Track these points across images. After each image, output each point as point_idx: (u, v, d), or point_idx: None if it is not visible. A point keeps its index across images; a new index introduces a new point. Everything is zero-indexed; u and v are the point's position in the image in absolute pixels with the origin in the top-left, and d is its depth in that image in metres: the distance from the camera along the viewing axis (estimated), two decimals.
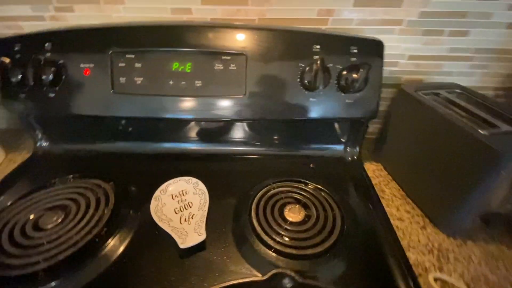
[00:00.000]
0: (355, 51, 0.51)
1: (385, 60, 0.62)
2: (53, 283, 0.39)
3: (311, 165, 0.61)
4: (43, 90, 0.54)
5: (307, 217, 0.48)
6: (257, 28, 0.52)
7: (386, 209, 0.53)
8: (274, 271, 0.34)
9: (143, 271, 0.41)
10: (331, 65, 0.51)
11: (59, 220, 0.47)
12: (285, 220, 0.47)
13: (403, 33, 0.60)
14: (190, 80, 0.52)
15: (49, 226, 0.46)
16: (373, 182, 0.60)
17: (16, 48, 0.52)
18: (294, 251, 0.41)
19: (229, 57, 0.51)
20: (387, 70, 0.64)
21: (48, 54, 0.53)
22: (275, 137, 0.62)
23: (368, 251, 0.43)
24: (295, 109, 0.54)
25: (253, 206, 0.49)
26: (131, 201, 0.52)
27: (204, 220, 0.47)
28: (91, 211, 0.48)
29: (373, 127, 0.75)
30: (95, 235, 0.45)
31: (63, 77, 0.53)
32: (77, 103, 0.54)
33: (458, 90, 0.56)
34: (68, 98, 0.54)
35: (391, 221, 0.50)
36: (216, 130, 0.62)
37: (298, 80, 0.52)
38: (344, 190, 0.54)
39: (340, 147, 0.62)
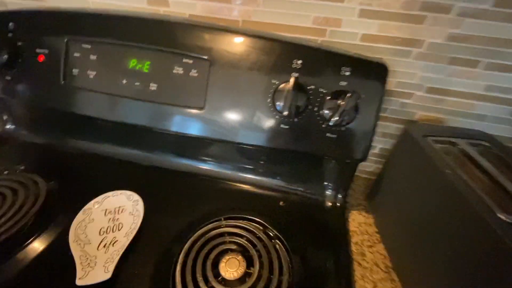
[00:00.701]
0: (348, 73, 0.40)
1: (396, 89, 0.50)
2: None
3: (280, 203, 0.50)
4: (2, 70, 0.50)
5: (246, 276, 0.37)
6: (229, 30, 0.43)
7: (359, 282, 0.40)
8: None
9: None
10: (312, 87, 0.40)
11: None
12: (217, 275, 0.37)
13: (422, 58, 0.46)
14: (145, 81, 0.44)
15: None
16: (355, 239, 0.47)
17: None
18: None
19: (191, 61, 0.43)
20: (398, 101, 0.52)
21: (10, 34, 0.49)
22: (242, 161, 0.52)
23: None
24: (262, 135, 0.43)
25: (185, 248, 0.39)
26: (65, 206, 0.46)
27: (120, 255, 0.38)
28: (18, 203, 0.43)
29: (375, 167, 0.62)
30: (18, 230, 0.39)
31: (19, 60, 0.49)
32: (29, 90, 0.49)
33: (484, 143, 0.41)
34: (21, 84, 0.50)
35: None
36: (175, 142, 0.53)
37: (269, 100, 0.41)
38: (309, 245, 0.43)
39: (320, 189, 0.50)
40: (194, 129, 0.44)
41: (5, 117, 0.61)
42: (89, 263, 0.38)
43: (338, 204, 0.49)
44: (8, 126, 0.62)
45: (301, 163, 0.50)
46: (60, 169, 0.53)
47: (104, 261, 0.38)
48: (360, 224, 0.51)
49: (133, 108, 0.46)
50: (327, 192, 0.50)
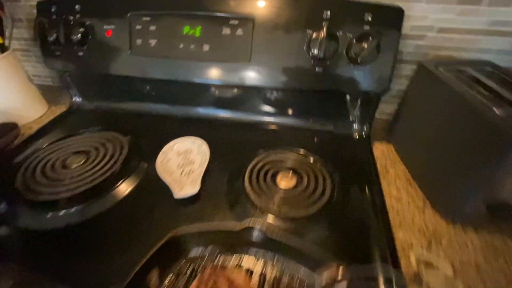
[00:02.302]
0: (370, 18, 0.48)
1: (411, 32, 0.58)
2: (71, 209, 0.46)
3: (315, 139, 0.60)
4: (73, 49, 0.60)
5: (298, 185, 0.49)
6: None
7: (386, 188, 0.51)
8: (245, 225, 0.37)
9: (140, 213, 0.46)
10: (340, 33, 0.49)
11: (81, 163, 0.55)
12: (275, 184, 0.49)
13: (433, 1, 0.53)
14: (198, 44, 0.54)
15: (73, 167, 0.54)
16: (380, 162, 0.57)
17: (53, 10, 0.59)
18: (277, 212, 0.43)
19: (236, 22, 0.51)
20: (412, 43, 0.59)
21: (78, 16, 0.58)
22: (281, 107, 0.62)
23: (351, 222, 0.43)
24: (301, 79, 0.53)
25: (248, 169, 0.51)
26: (142, 154, 0.58)
27: (201, 177, 0.51)
28: (105, 160, 0.55)
29: (393, 108, 0.71)
30: (107, 177, 0.51)
31: (90, 37, 0.58)
32: (101, 62, 0.60)
33: (488, 68, 0.50)
34: (93, 57, 0.60)
35: (389, 200, 0.49)
36: (225, 97, 0.64)
37: (305, 48, 0.50)
38: (343, 165, 0.53)
39: (347, 122, 0.60)
40: (243, 79, 0.54)
41: (72, 91, 0.73)
42: (178, 184, 0.50)
43: (363, 135, 0.59)
44: (75, 99, 0.74)
45: (332, 103, 0.60)
46: (131, 127, 0.64)
47: (190, 182, 0.50)
48: (383, 151, 0.61)
49: (190, 68, 0.56)
50: (354, 126, 0.60)
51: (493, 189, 0.40)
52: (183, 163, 0.55)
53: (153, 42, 0.56)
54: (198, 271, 0.34)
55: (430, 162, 0.50)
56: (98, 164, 0.54)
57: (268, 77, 0.53)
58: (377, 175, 0.52)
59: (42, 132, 0.65)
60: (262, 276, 0.35)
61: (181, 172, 0.53)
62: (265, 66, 0.53)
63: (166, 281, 0.35)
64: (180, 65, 0.56)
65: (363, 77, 0.51)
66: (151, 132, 0.63)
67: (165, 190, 0.49)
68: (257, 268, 0.36)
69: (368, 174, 0.52)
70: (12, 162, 0.56)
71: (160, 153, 0.56)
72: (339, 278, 0.28)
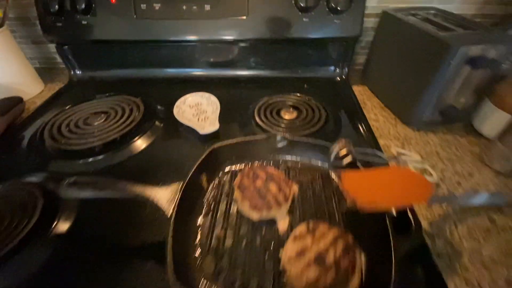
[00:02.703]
0: None
1: None
2: (101, 156, 0.52)
3: (305, 86, 0.71)
4: (77, 18, 0.64)
5: (298, 116, 0.59)
6: None
7: (366, 114, 0.64)
8: (270, 135, 0.46)
9: (169, 155, 0.53)
10: None
11: (102, 120, 0.60)
12: (280, 117, 0.59)
13: None
14: (200, 4, 0.61)
15: (95, 124, 0.59)
16: (359, 98, 0.70)
17: None
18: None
19: None
20: None
21: None
22: (274, 61, 0.72)
23: (345, 135, 0.55)
24: (292, 29, 0.63)
25: (256, 109, 0.61)
26: (157, 110, 0.64)
27: (217, 118, 0.59)
28: (126, 115, 0.61)
29: (363, 58, 0.84)
30: (135, 125, 0.58)
31: (93, 5, 0.62)
32: (106, 29, 0.64)
33: (433, 12, 0.64)
34: (98, 25, 0.64)
35: (370, 122, 0.61)
36: (226, 55, 0.72)
37: (293, 1, 0.60)
38: (331, 100, 0.65)
39: (330, 69, 0.72)
40: (243, 33, 0.63)
41: (72, 64, 0.75)
42: (200, 125, 0.58)
43: (344, 77, 0.72)
44: (75, 72, 0.76)
45: (315, 54, 0.71)
46: (138, 91, 0.69)
47: (208, 124, 0.58)
48: (359, 91, 0.74)
49: (194, 27, 0.63)
50: (336, 70, 0.72)
51: (442, 95, 0.54)
52: (197, 113, 0.63)
53: (157, 5, 0.61)
54: (238, 173, 0.43)
55: (396, 90, 0.63)
56: (120, 119, 0.60)
57: (264, 29, 0.63)
58: (359, 105, 0.64)
59: (50, 102, 0.68)
60: (287, 168, 0.45)
61: (198, 119, 0.61)
62: (261, 19, 0.62)
63: (215, 182, 0.44)
64: (184, 25, 0.63)
65: (341, 25, 0.62)
66: (158, 94, 0.69)
67: (185, 133, 0.57)
68: (283, 166, 0.46)
69: (352, 104, 0.64)
70: (32, 128, 0.60)
71: (174, 106, 0.63)
72: (346, 148, 0.39)
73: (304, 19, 0.61)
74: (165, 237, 0.32)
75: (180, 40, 0.64)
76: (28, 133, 0.58)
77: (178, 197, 0.35)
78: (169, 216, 0.34)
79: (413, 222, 0.32)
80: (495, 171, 0.50)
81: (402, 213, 0.34)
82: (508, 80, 0.53)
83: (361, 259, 0.32)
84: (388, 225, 0.32)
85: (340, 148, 0.39)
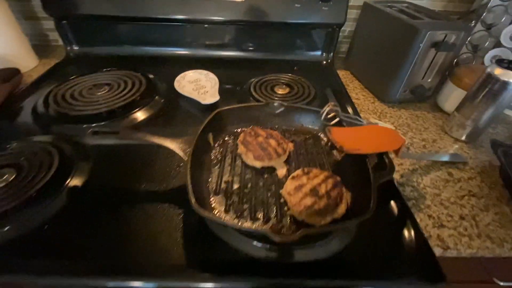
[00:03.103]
0: None
1: None
2: (108, 121, 0.56)
3: (295, 68, 0.78)
4: None
5: (290, 92, 0.66)
6: None
7: (349, 94, 0.72)
8: (268, 101, 0.52)
9: (174, 121, 0.58)
10: None
11: (106, 91, 0.63)
12: (274, 91, 0.65)
13: None
14: None
15: (99, 94, 0.62)
16: (342, 80, 0.78)
17: None
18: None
19: None
20: None
21: None
22: (266, 45, 0.79)
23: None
24: (285, 13, 0.69)
25: (252, 84, 0.67)
26: (157, 84, 0.68)
27: (217, 91, 0.64)
28: (129, 87, 0.64)
29: (346, 47, 0.92)
30: (135, 98, 0.61)
31: None
32: (104, 4, 0.67)
33: (406, 5, 0.73)
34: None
35: (351, 100, 0.69)
36: (220, 38, 0.77)
37: None
38: (319, 80, 0.72)
39: (317, 53, 0.80)
40: (239, 15, 0.68)
41: (70, 39, 0.76)
42: (201, 97, 0.62)
43: (329, 61, 0.80)
44: (72, 47, 0.78)
45: (303, 39, 0.78)
46: (138, 67, 0.72)
47: (210, 95, 0.63)
48: (343, 75, 0.82)
49: (192, 6, 0.68)
50: (323, 54, 0.80)
51: (412, 76, 0.63)
52: (197, 88, 0.67)
53: None
54: (240, 133, 0.49)
55: (375, 72, 0.72)
56: (123, 90, 0.63)
57: (259, 13, 0.69)
58: (343, 84, 0.72)
59: (49, 75, 0.70)
60: (283, 131, 0.52)
61: (198, 93, 0.66)
62: (256, 2, 0.68)
63: (219, 141, 0.49)
64: (183, 4, 0.67)
65: (328, 12, 0.70)
66: (157, 71, 0.73)
67: (187, 104, 0.62)
68: (279, 129, 0.52)
69: (336, 84, 0.72)
70: (34, 96, 0.61)
71: (175, 81, 0.68)
72: (334, 109, 0.46)
73: (296, 5, 0.68)
74: (180, 181, 0.37)
75: (178, 19, 0.69)
76: (31, 101, 0.60)
77: (192, 147, 0.40)
78: (185, 161, 0.39)
79: (387, 162, 0.39)
80: (454, 139, 0.60)
81: (379, 157, 0.42)
82: (465, 62, 0.63)
83: (347, 194, 0.39)
84: (368, 166, 0.39)
85: (329, 108, 0.46)
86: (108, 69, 0.71)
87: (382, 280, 0.35)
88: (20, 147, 0.47)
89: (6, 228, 0.36)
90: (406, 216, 0.42)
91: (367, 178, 0.39)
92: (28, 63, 0.75)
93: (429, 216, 0.44)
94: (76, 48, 0.77)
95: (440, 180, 0.50)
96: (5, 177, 0.41)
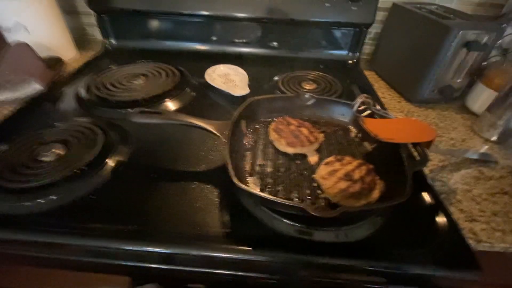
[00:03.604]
0: None
1: None
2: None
3: (320, 66, 0.80)
4: None
5: (317, 88, 0.67)
6: None
7: (377, 92, 0.73)
8: (299, 92, 0.54)
9: (205, 111, 0.61)
10: None
11: (142, 81, 0.66)
12: (301, 87, 0.67)
13: None
14: None
15: (135, 82, 0.65)
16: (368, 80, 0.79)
17: None
18: None
19: None
20: None
21: None
22: (293, 43, 0.81)
23: None
24: (314, 12, 0.71)
25: (280, 80, 0.69)
26: (189, 77, 0.71)
27: (247, 84, 0.66)
28: (163, 78, 0.68)
29: (371, 49, 0.93)
30: (170, 88, 0.64)
31: None
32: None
33: (435, 7, 0.74)
34: None
35: (379, 97, 0.70)
36: (249, 36, 0.80)
37: None
38: (345, 78, 0.74)
39: (344, 52, 0.81)
40: (268, 12, 0.71)
41: (108, 33, 0.81)
42: (231, 89, 0.65)
43: (355, 61, 0.81)
44: (110, 41, 0.82)
45: (331, 36, 0.79)
46: (170, 60, 0.76)
47: (240, 88, 0.65)
48: (368, 76, 0.83)
49: (224, 3, 0.71)
50: (349, 53, 0.81)
51: (441, 76, 0.64)
52: (226, 81, 0.70)
53: None
54: (272, 123, 0.51)
55: (402, 72, 0.73)
56: (159, 79, 0.66)
57: (288, 10, 0.71)
58: (369, 83, 0.73)
59: (89, 65, 0.74)
60: (313, 122, 0.53)
61: (227, 86, 0.68)
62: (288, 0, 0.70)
63: (251, 129, 0.51)
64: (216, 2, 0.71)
65: (357, 12, 0.71)
66: (187, 65, 0.76)
67: (219, 97, 0.65)
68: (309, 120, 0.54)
69: (363, 82, 0.73)
70: (76, 83, 0.65)
71: (205, 73, 0.70)
72: (366, 101, 0.47)
73: (326, 4, 0.70)
74: (215, 163, 0.39)
75: (207, 15, 0.72)
76: (73, 87, 0.64)
77: (230, 128, 0.42)
78: (224, 142, 0.40)
79: (421, 151, 0.40)
80: (484, 139, 0.59)
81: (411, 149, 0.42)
82: (496, 63, 0.63)
83: (380, 182, 0.40)
84: (402, 154, 0.40)
85: (362, 100, 0.47)
86: (143, 61, 0.75)
87: (414, 265, 0.35)
88: (67, 125, 0.50)
89: (56, 197, 0.39)
90: (438, 206, 0.42)
91: (400, 167, 0.39)
92: (69, 53, 0.80)
93: (461, 210, 0.43)
94: (113, 41, 0.81)
95: (470, 177, 0.50)
96: (53, 151, 0.44)
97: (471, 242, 0.39)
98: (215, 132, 0.42)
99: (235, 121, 0.45)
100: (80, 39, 0.93)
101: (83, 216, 0.37)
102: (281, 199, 0.31)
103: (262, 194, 0.32)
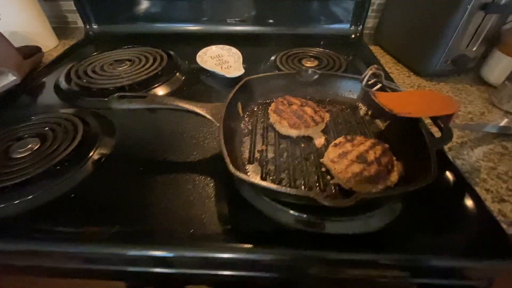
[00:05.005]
0: None
1: None
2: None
3: (321, 42, 0.73)
4: None
5: (319, 64, 0.62)
6: None
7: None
8: (300, 68, 0.49)
9: (197, 95, 0.55)
10: None
11: (126, 66, 0.61)
12: (302, 64, 0.61)
13: None
14: None
15: (120, 69, 0.60)
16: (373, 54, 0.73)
17: None
18: None
19: None
20: None
21: None
22: (291, 18, 0.74)
23: None
24: None
25: (278, 58, 0.63)
26: (179, 60, 0.65)
27: (241, 64, 0.61)
28: (150, 62, 0.62)
29: (374, 22, 0.87)
30: (157, 73, 0.58)
31: None
32: None
33: None
34: None
35: (387, 72, 0.64)
36: (243, 12, 0.73)
37: None
38: (349, 53, 0.68)
39: (345, 26, 0.75)
40: None
41: (89, 18, 0.75)
42: (225, 71, 0.59)
43: (358, 35, 0.74)
44: (92, 26, 0.76)
45: (332, 10, 0.73)
46: (158, 43, 0.70)
47: (234, 68, 0.60)
48: (372, 50, 0.76)
49: None
50: (351, 27, 0.74)
51: (454, 44, 0.58)
52: (219, 63, 0.64)
53: None
54: (271, 104, 0.45)
55: (410, 43, 0.66)
56: (145, 65, 0.61)
57: None
58: (375, 56, 0.67)
59: (69, 53, 0.69)
60: (317, 101, 0.48)
61: (221, 68, 0.62)
62: None
63: (249, 111, 0.46)
64: None
65: None
66: (177, 48, 0.70)
67: (211, 79, 0.59)
68: (312, 99, 0.48)
69: (368, 57, 0.67)
70: (56, 72, 0.60)
71: (197, 56, 0.64)
72: (377, 73, 0.42)
73: None
74: (209, 151, 0.34)
75: None
76: (52, 77, 0.59)
77: (224, 111, 0.37)
78: (218, 126, 0.35)
79: (443, 126, 0.35)
80: (505, 111, 0.54)
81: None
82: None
83: (397, 163, 0.35)
84: (422, 130, 0.35)
85: (372, 72, 0.42)
86: (128, 46, 0.69)
87: (441, 256, 0.31)
88: (44, 118, 0.45)
89: (30, 197, 0.34)
90: (463, 187, 0.37)
91: (419, 146, 0.34)
92: (48, 42, 0.74)
93: (487, 190, 0.39)
94: (95, 26, 0.75)
95: (494, 153, 0.45)
96: (29, 146, 0.40)
97: (503, 225, 0.35)
98: (207, 115, 0.37)
99: (230, 102, 0.40)
100: (62, 28, 0.87)
101: (62, 218, 0.33)
102: (285, 188, 0.27)
103: (262, 183, 0.28)
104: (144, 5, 0.72)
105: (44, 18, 0.73)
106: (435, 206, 0.35)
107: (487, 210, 0.34)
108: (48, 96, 0.54)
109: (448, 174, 0.39)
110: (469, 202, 0.35)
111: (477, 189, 0.39)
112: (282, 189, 0.27)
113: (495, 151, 0.45)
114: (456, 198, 0.36)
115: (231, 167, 0.29)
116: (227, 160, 0.30)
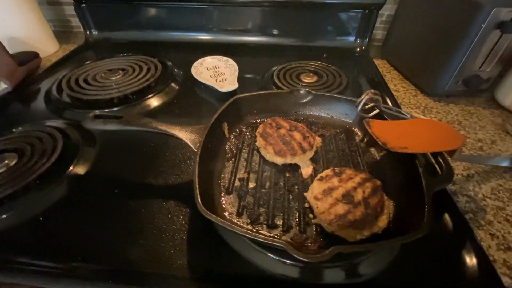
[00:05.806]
0: None
1: None
2: (120, 107, 0.52)
3: (324, 55, 0.70)
4: None
5: (319, 80, 0.58)
6: None
7: (389, 86, 0.63)
8: (293, 88, 0.46)
9: (189, 110, 0.53)
10: None
11: (119, 76, 0.59)
12: (300, 80, 0.58)
13: None
14: None
15: (113, 79, 0.59)
16: (378, 70, 0.69)
17: None
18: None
19: None
20: None
21: None
22: (293, 30, 0.71)
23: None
24: None
25: (275, 72, 0.60)
26: (174, 71, 0.63)
27: (236, 78, 0.58)
28: (143, 72, 0.60)
29: (383, 34, 0.82)
30: (150, 84, 0.57)
31: None
32: None
33: None
34: None
35: (391, 91, 0.60)
36: (243, 22, 0.71)
37: None
38: (352, 68, 0.64)
39: (350, 39, 0.71)
40: None
41: (89, 24, 0.74)
42: (219, 84, 0.57)
43: (364, 48, 0.70)
44: (91, 32, 0.75)
45: (336, 21, 0.69)
46: (156, 52, 0.69)
47: (228, 82, 0.57)
48: (378, 64, 0.72)
49: None
50: (357, 40, 0.71)
51: (467, 64, 0.53)
52: (215, 75, 0.62)
53: None
54: (259, 125, 0.43)
55: (419, 60, 0.62)
56: (138, 75, 0.59)
57: None
58: (380, 73, 0.63)
59: (66, 59, 0.68)
60: (309, 123, 0.45)
61: (216, 80, 0.60)
62: None
63: (236, 132, 0.43)
64: None
65: None
66: (174, 56, 0.68)
67: (205, 91, 0.57)
68: (304, 121, 0.45)
69: (372, 73, 0.63)
70: (49, 80, 0.59)
71: (192, 67, 0.62)
72: (374, 98, 0.38)
73: None
74: (190, 175, 0.32)
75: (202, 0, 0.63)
76: (45, 85, 0.58)
77: (203, 138, 0.34)
78: (195, 152, 0.33)
79: (443, 164, 0.31)
80: None
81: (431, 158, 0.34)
82: None
83: (388, 203, 0.32)
84: (418, 168, 0.31)
85: (368, 97, 0.38)
86: (125, 54, 0.68)
87: None
88: (27, 131, 0.44)
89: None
90: (464, 233, 0.33)
91: (416, 184, 0.31)
92: (48, 48, 0.74)
93: (492, 235, 0.35)
94: (95, 33, 0.75)
95: (503, 190, 0.40)
96: (5, 162, 0.38)
97: (506, 279, 0.31)
98: (186, 141, 0.34)
99: (213, 124, 0.38)
100: (64, 32, 0.87)
101: (24, 245, 0.31)
102: (252, 233, 0.24)
103: (226, 223, 0.25)
104: (144, 12, 0.71)
105: (44, 23, 0.73)
106: (432, 252, 0.32)
107: (488, 261, 0.30)
108: (37, 106, 0.53)
109: (448, 216, 0.35)
110: (468, 249, 0.31)
111: (482, 233, 0.35)
112: (247, 233, 0.24)
113: (505, 187, 0.41)
114: (455, 245, 0.32)
115: (199, 204, 0.27)
116: (197, 194, 0.28)
